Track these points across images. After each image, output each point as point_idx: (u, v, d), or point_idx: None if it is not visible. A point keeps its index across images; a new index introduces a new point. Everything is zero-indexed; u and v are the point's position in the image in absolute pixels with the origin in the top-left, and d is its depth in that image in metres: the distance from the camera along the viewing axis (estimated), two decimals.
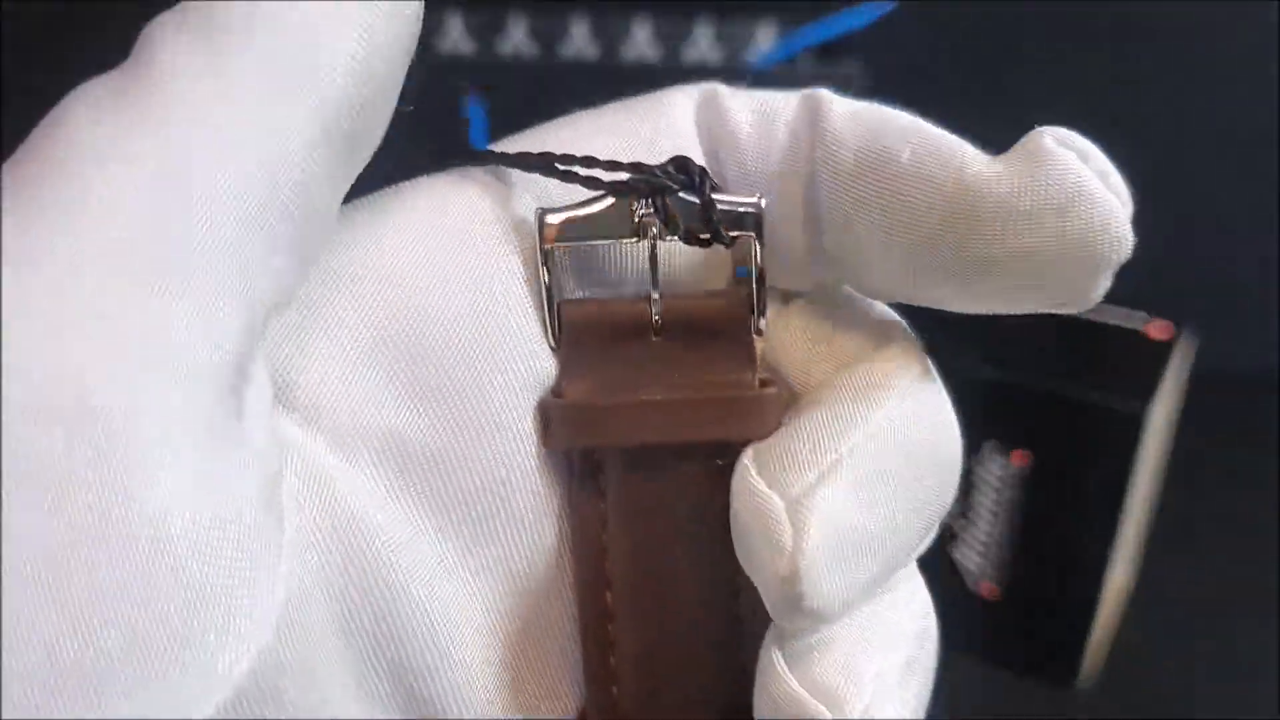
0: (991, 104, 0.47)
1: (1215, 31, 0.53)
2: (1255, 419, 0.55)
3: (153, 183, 0.14)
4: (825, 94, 0.19)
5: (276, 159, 0.15)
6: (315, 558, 0.17)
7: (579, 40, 0.43)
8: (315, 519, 0.17)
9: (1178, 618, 0.46)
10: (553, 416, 0.19)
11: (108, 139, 0.15)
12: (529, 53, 0.43)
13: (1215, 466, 0.51)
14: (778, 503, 0.17)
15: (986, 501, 0.41)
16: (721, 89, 0.20)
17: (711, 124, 0.20)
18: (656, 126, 0.20)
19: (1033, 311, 0.18)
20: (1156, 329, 0.42)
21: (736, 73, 0.43)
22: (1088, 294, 0.17)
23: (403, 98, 0.18)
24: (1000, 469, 0.41)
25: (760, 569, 0.17)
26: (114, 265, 0.14)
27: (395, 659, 0.18)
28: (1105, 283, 0.17)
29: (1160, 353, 0.41)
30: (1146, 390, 0.39)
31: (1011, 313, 0.18)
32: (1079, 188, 0.17)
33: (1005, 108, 0.47)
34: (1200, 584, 0.47)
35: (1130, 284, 0.19)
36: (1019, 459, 0.40)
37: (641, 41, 0.43)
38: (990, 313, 0.18)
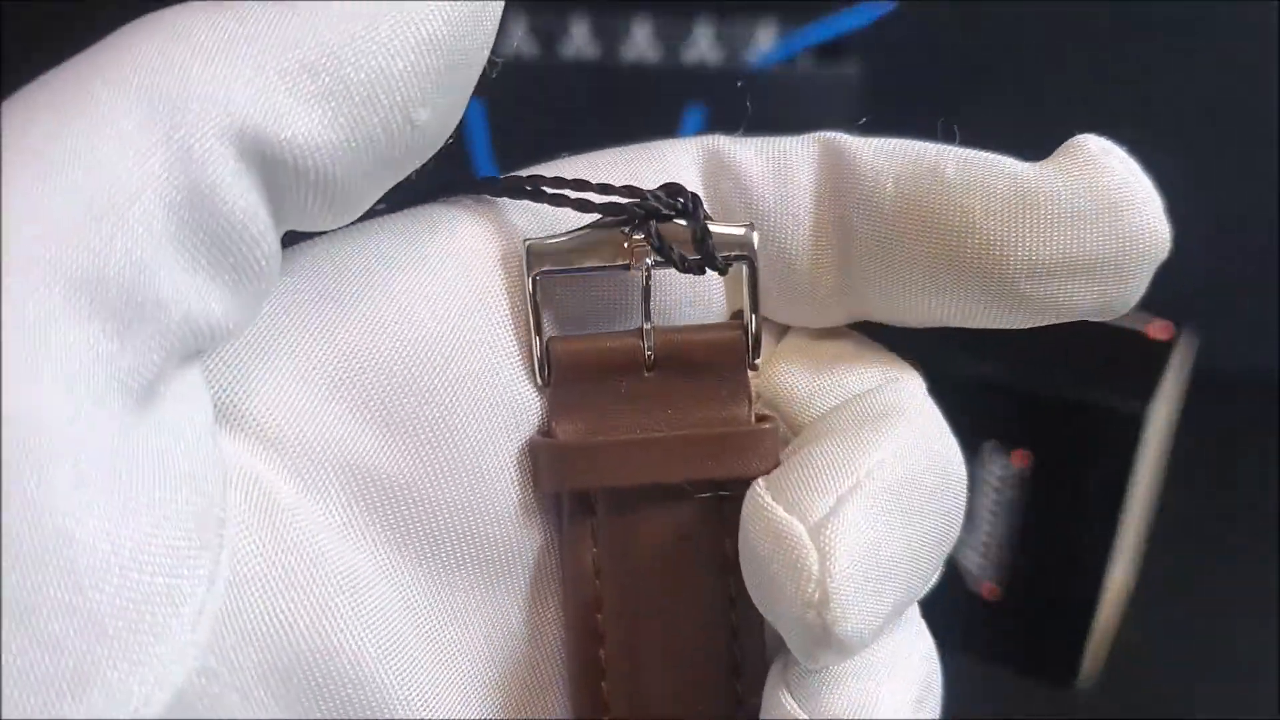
0: (991, 104, 0.47)
1: (1215, 31, 0.53)
2: (1255, 419, 0.55)
3: (73, 198, 0.14)
4: (839, 134, 0.19)
5: (198, 182, 0.14)
6: (257, 595, 0.16)
7: (579, 40, 0.43)
8: (262, 550, 0.16)
9: (1178, 618, 0.46)
10: (542, 457, 0.18)
11: (37, 144, 0.14)
12: (529, 53, 0.43)
13: (1215, 466, 0.51)
14: (799, 527, 0.16)
15: (986, 501, 0.41)
16: (722, 140, 0.20)
17: (719, 176, 0.19)
18: (658, 173, 0.19)
19: (1070, 320, 0.18)
20: (1156, 329, 0.42)
21: (736, 73, 0.43)
22: (1135, 292, 0.18)
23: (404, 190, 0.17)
24: (1000, 469, 0.41)
25: (782, 599, 0.16)
26: (26, 282, 0.13)
27: (336, 710, 0.17)
28: (1148, 281, 0.18)
29: (1160, 353, 0.41)
30: (1146, 390, 0.39)
31: (1048, 323, 0.18)
32: (1131, 187, 0.17)
33: (1005, 108, 0.47)
34: (1200, 584, 0.47)
35: None
36: (1019, 459, 0.40)
37: (641, 41, 0.43)
38: (1025, 326, 0.18)
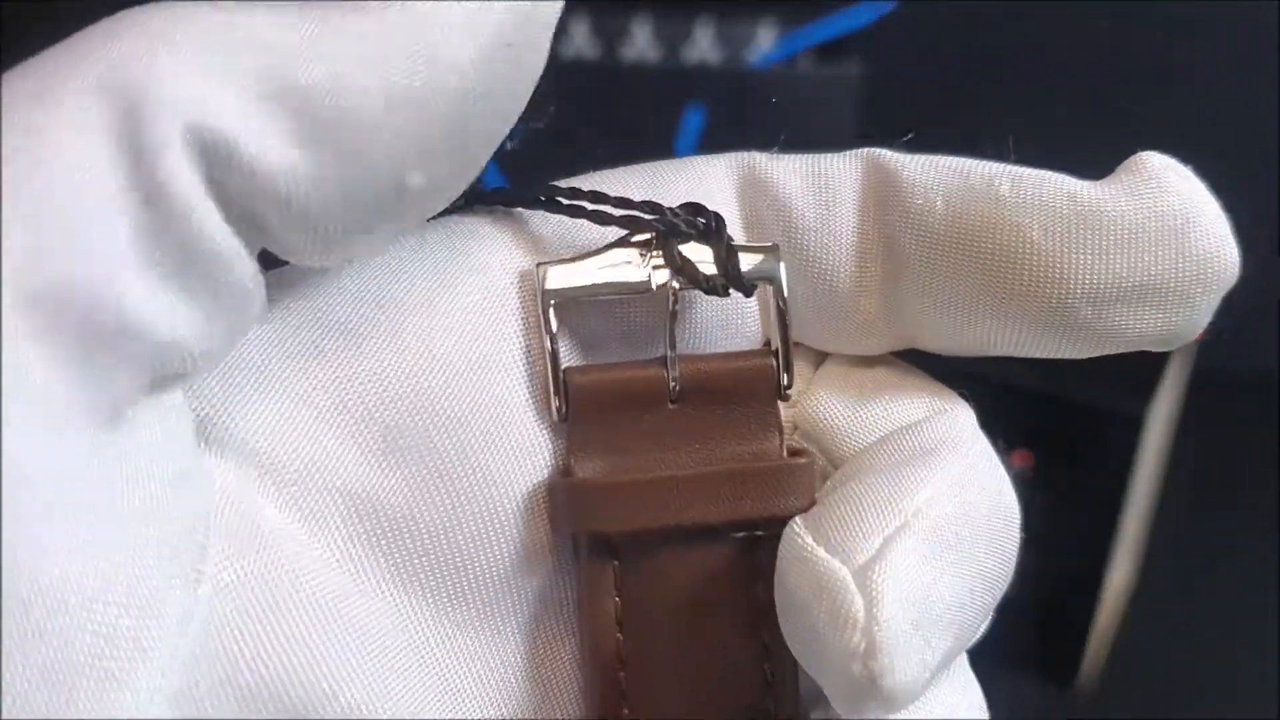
0: (991, 105, 0.47)
1: (1215, 31, 0.53)
2: (1255, 419, 0.55)
3: (33, 210, 0.13)
4: (882, 150, 0.18)
5: (166, 195, 0.13)
6: (238, 637, 0.15)
7: (579, 40, 0.43)
8: (247, 588, 0.15)
9: (1178, 618, 0.46)
10: (559, 497, 0.17)
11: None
12: None
13: (1215, 466, 0.51)
14: (843, 571, 0.15)
15: None
16: (759, 157, 0.18)
17: (755, 194, 0.18)
18: (688, 192, 0.18)
19: (1132, 349, 0.17)
20: None
21: (736, 73, 0.43)
22: (1202, 320, 0.17)
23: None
24: None
25: (824, 649, 0.15)
26: None
27: None
28: (1215, 307, 0.17)
29: (1160, 353, 0.41)
30: (1146, 390, 0.39)
31: (1109, 352, 0.17)
32: (1198, 207, 0.16)
33: (1005, 108, 0.47)
34: (1200, 584, 0.47)
35: None
36: (1020, 460, 0.40)
37: (641, 41, 0.43)
38: (1084, 355, 0.17)
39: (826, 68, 0.43)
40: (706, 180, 0.18)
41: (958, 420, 0.18)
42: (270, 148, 0.13)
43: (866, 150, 0.18)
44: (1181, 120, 0.54)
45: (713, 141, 0.43)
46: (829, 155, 0.18)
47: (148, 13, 0.14)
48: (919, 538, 0.15)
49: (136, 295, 0.13)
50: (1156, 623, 0.46)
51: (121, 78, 0.13)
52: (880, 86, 0.44)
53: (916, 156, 0.18)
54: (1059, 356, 0.18)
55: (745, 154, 0.18)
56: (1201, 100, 0.54)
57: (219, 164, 0.13)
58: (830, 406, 0.18)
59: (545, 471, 0.17)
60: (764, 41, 0.43)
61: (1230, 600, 0.47)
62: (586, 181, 0.18)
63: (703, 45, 0.43)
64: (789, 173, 0.18)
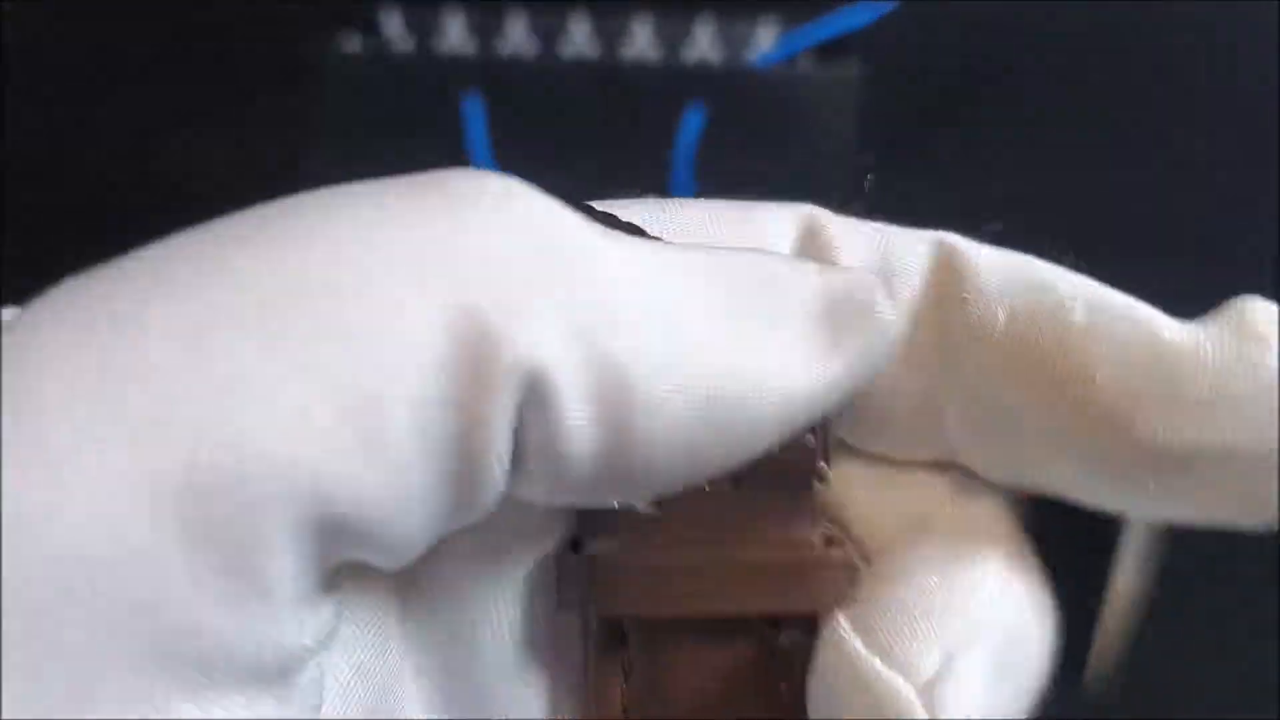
0: (992, 105, 0.47)
1: (1217, 33, 0.53)
2: None
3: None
4: (960, 240, 0.16)
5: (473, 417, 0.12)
6: None
7: (579, 40, 0.43)
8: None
9: (1178, 618, 0.46)
10: (569, 574, 0.16)
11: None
12: (529, 52, 0.43)
13: None
14: (907, 688, 0.14)
15: None
16: (830, 221, 0.17)
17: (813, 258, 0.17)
18: (749, 243, 0.16)
19: (1199, 523, 0.15)
20: None
21: (737, 73, 0.43)
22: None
23: None
24: None
25: None
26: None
27: None
28: None
29: None
30: None
31: (1172, 521, 0.15)
32: None
33: (1006, 108, 0.47)
34: (1200, 584, 0.47)
35: None
36: None
37: (641, 41, 0.43)
38: (1147, 519, 0.16)
39: (826, 68, 0.43)
40: (769, 234, 0.17)
41: (991, 511, 0.17)
42: (576, 414, 0.13)
43: (942, 236, 0.16)
44: (1183, 120, 0.54)
45: (713, 141, 0.43)
46: (901, 234, 0.16)
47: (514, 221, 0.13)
48: (976, 649, 0.15)
49: (401, 483, 0.12)
50: (1156, 623, 0.46)
51: (472, 300, 0.12)
52: (880, 86, 0.44)
53: (994, 254, 0.16)
54: (1118, 511, 0.16)
55: (815, 214, 0.17)
56: (1202, 100, 0.54)
57: (532, 410, 0.12)
58: (854, 489, 0.17)
59: (552, 544, 0.16)
60: (764, 41, 0.43)
61: (1230, 601, 0.47)
62: (626, 211, 0.17)
63: (703, 45, 0.43)
64: (855, 247, 0.16)
